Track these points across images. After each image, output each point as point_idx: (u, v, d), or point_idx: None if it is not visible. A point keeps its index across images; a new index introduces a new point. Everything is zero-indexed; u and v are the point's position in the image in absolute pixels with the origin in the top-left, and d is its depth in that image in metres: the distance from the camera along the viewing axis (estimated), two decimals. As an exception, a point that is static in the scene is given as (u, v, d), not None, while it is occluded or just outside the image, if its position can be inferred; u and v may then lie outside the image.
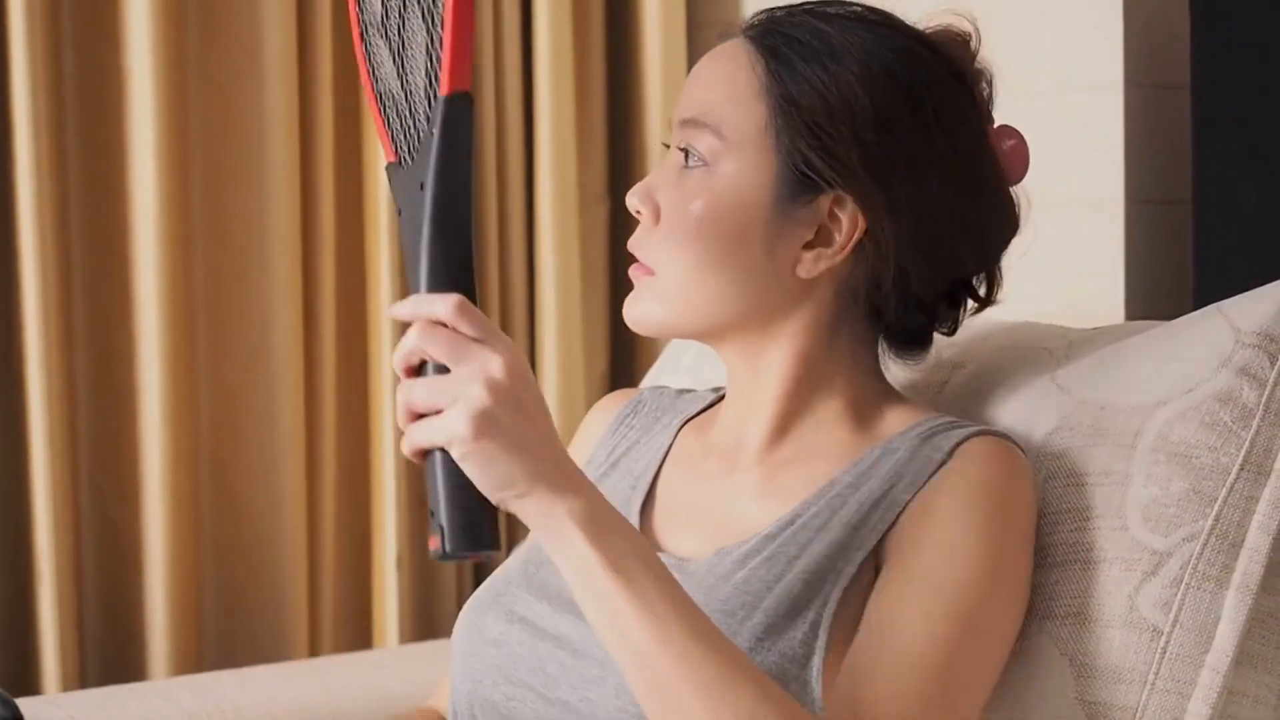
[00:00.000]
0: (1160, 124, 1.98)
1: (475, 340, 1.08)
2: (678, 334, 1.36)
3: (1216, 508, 1.26)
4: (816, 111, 1.28)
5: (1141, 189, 1.98)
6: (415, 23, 1.14)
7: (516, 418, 1.07)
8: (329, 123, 2.24)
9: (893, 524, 1.26)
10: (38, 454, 2.02)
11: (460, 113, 1.10)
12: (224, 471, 2.19)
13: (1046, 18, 2.04)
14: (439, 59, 1.10)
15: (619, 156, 2.53)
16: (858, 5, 1.35)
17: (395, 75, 1.17)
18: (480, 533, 1.09)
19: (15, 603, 2.07)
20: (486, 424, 1.06)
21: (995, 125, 1.38)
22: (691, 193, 1.30)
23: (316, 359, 2.24)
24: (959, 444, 1.28)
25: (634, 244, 1.35)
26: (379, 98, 1.19)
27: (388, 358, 2.25)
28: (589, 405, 2.33)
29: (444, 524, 1.08)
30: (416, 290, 1.11)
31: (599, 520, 1.11)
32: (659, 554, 1.30)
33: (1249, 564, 1.26)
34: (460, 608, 1.41)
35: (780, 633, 1.22)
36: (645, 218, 1.33)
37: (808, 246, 1.30)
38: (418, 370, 1.11)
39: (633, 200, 1.34)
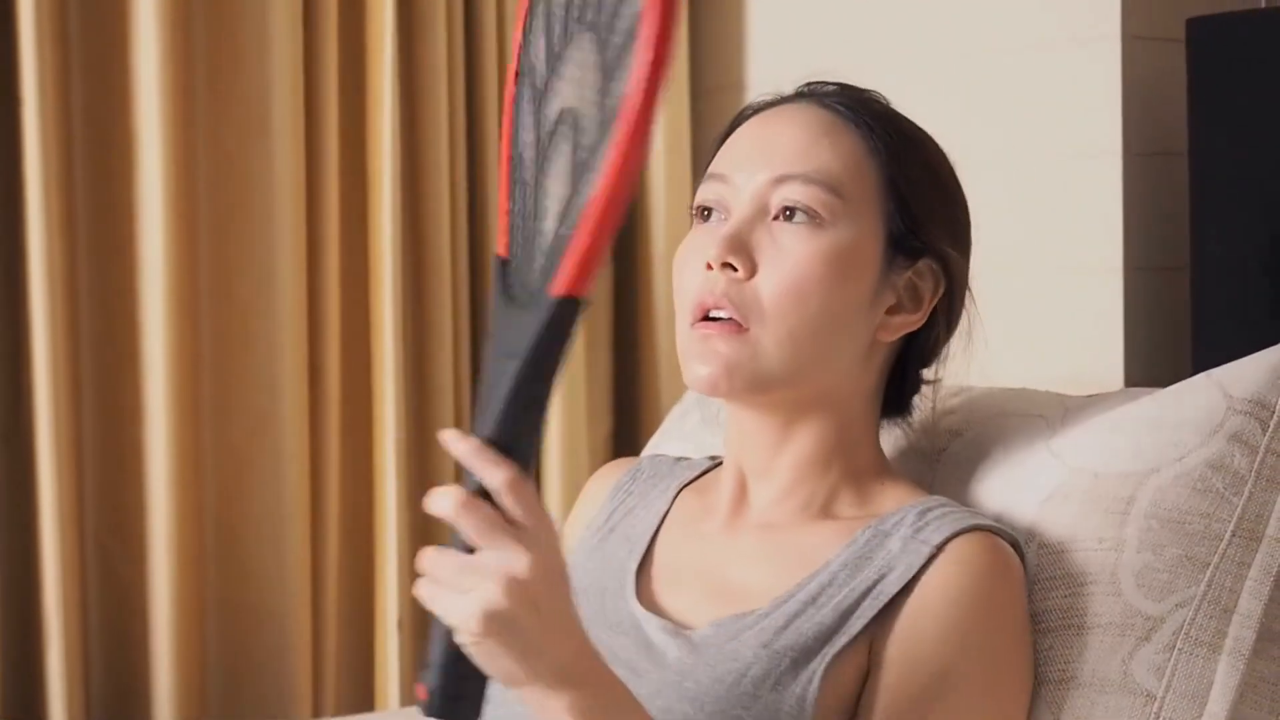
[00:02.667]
0: (1158, 191, 2.00)
1: (512, 526, 1.04)
2: (759, 391, 1.31)
3: (1209, 573, 1.27)
4: (920, 182, 1.34)
5: (1140, 256, 1.99)
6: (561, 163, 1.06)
7: (531, 619, 1.03)
8: (335, 186, 2.25)
9: (879, 614, 1.26)
10: (46, 513, 2.03)
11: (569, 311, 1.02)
12: (229, 532, 2.20)
13: (1046, 86, 2.05)
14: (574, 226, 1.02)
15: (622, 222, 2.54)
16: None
17: (532, 178, 1.08)
18: (464, 706, 1.07)
19: (22, 661, 2.07)
20: (496, 625, 1.02)
21: None
22: (804, 249, 1.30)
23: (321, 421, 2.24)
24: (949, 539, 1.27)
25: (720, 297, 1.30)
26: (511, 180, 1.11)
27: (392, 423, 2.25)
28: (592, 469, 2.33)
29: (434, 685, 1.06)
30: (479, 410, 1.05)
31: (591, 713, 1.08)
32: (655, 618, 1.32)
33: (1241, 629, 1.26)
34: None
35: (768, 704, 1.23)
36: (740, 271, 1.30)
37: (889, 311, 1.34)
38: None
39: (723, 253, 1.30)
